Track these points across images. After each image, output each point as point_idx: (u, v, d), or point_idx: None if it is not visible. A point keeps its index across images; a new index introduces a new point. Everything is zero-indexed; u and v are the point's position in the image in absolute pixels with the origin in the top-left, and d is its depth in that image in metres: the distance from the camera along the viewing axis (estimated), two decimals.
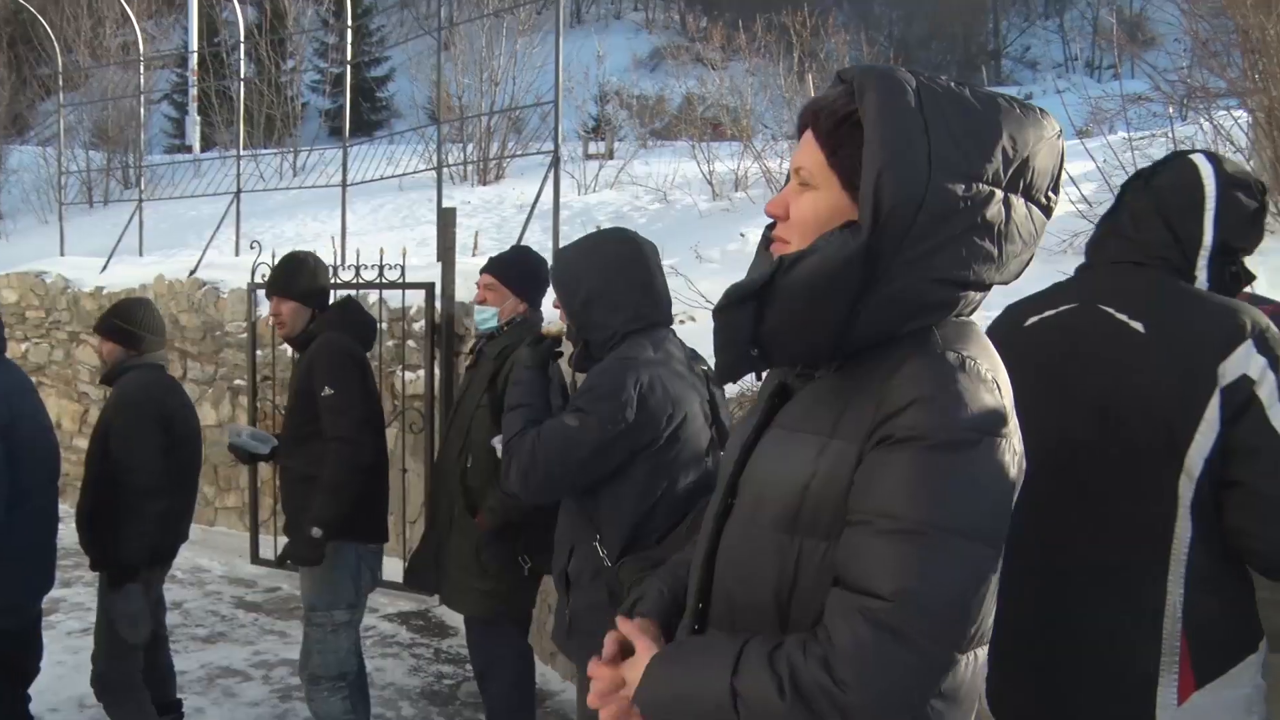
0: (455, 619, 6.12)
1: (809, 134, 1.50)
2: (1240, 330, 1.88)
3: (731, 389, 3.92)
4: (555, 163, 7.18)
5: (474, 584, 3.74)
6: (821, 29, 12.63)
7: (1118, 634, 1.95)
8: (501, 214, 10.91)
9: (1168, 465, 1.89)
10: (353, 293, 5.96)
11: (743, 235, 6.94)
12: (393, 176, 9.84)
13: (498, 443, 3.19)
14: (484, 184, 12.44)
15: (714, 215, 9.19)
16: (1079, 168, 7.27)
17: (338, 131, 13.08)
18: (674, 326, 3.07)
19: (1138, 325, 1.95)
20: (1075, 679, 1.99)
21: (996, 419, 1.36)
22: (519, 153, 9.46)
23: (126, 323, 4.09)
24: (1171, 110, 6.79)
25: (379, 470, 4.02)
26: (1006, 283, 1.48)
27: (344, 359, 3.88)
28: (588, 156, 12.51)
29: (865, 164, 1.37)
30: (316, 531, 3.68)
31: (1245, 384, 1.85)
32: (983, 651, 1.46)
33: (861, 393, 1.41)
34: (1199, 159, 2.11)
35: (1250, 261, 2.15)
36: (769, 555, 1.45)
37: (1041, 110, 1.46)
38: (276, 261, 4.19)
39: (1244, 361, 1.86)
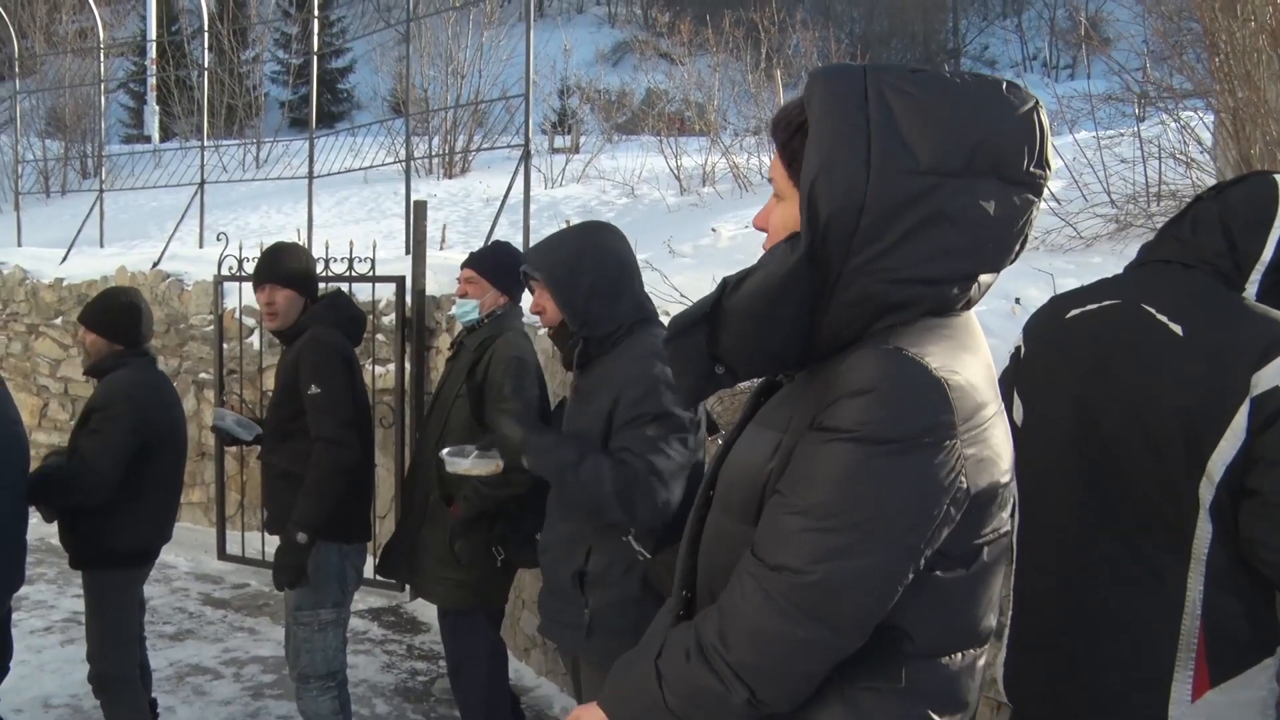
0: (427, 614, 6.09)
1: (776, 147, 1.52)
2: (1277, 343, 1.87)
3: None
4: (525, 156, 7.15)
5: (447, 574, 3.74)
6: (789, 25, 12.68)
7: (1135, 625, 1.96)
8: (468, 207, 10.87)
9: (1189, 467, 1.90)
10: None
11: (714, 230, 6.95)
12: (360, 169, 9.77)
13: (446, 454, 3.21)
14: (449, 177, 12.39)
15: (683, 210, 9.20)
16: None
17: (299, 123, 12.96)
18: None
19: (1176, 327, 1.94)
20: (1092, 668, 2.01)
21: (930, 422, 1.33)
22: (488, 146, 9.41)
23: (111, 314, 4.02)
24: (1138, 110, 6.87)
25: (364, 470, 3.98)
26: (998, 269, 1.44)
27: (332, 356, 3.81)
28: (554, 151, 12.50)
29: (802, 174, 1.38)
30: (302, 536, 3.62)
31: (1277, 395, 1.84)
32: (972, 654, 1.47)
33: (813, 386, 1.44)
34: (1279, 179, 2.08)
35: None
36: (736, 545, 1.49)
37: (1011, 84, 1.41)
38: (264, 250, 4.09)
39: (1277, 374, 1.85)
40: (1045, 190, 1.46)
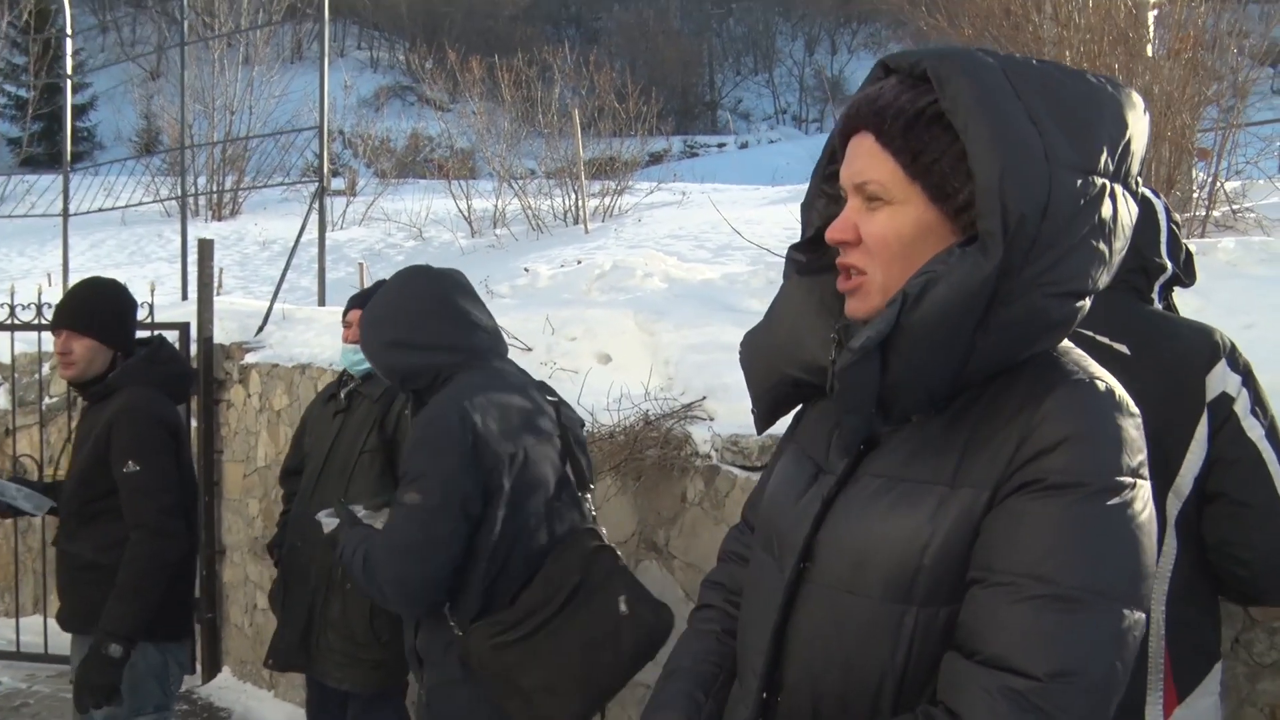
0: (225, 699, 5.52)
1: (869, 141, 1.25)
2: (1217, 348, 1.93)
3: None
4: (320, 194, 6.73)
5: (363, 655, 3.32)
6: (556, 68, 12.62)
7: None
8: (243, 250, 10.21)
9: (1161, 485, 1.88)
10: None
11: (527, 270, 6.75)
12: (127, 206, 8.95)
13: (323, 517, 2.84)
14: (218, 219, 11.61)
15: (478, 252, 8.99)
16: None
17: (31, 162, 11.79)
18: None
19: (1121, 347, 1.95)
20: None
21: (1144, 459, 1.19)
22: (278, 183, 8.84)
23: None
24: None
25: (189, 561, 3.41)
26: (1103, 287, 1.28)
27: (154, 427, 3.21)
28: (332, 193, 11.96)
29: (979, 167, 1.15)
30: (115, 649, 3.01)
31: (1225, 400, 1.89)
32: None
33: (988, 431, 1.20)
34: (1149, 193, 2.12)
35: None
36: (877, 631, 1.21)
37: (1122, 84, 1.26)
38: (70, 288, 3.50)
39: (1223, 378, 1.90)
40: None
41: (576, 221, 9.65)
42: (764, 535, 1.40)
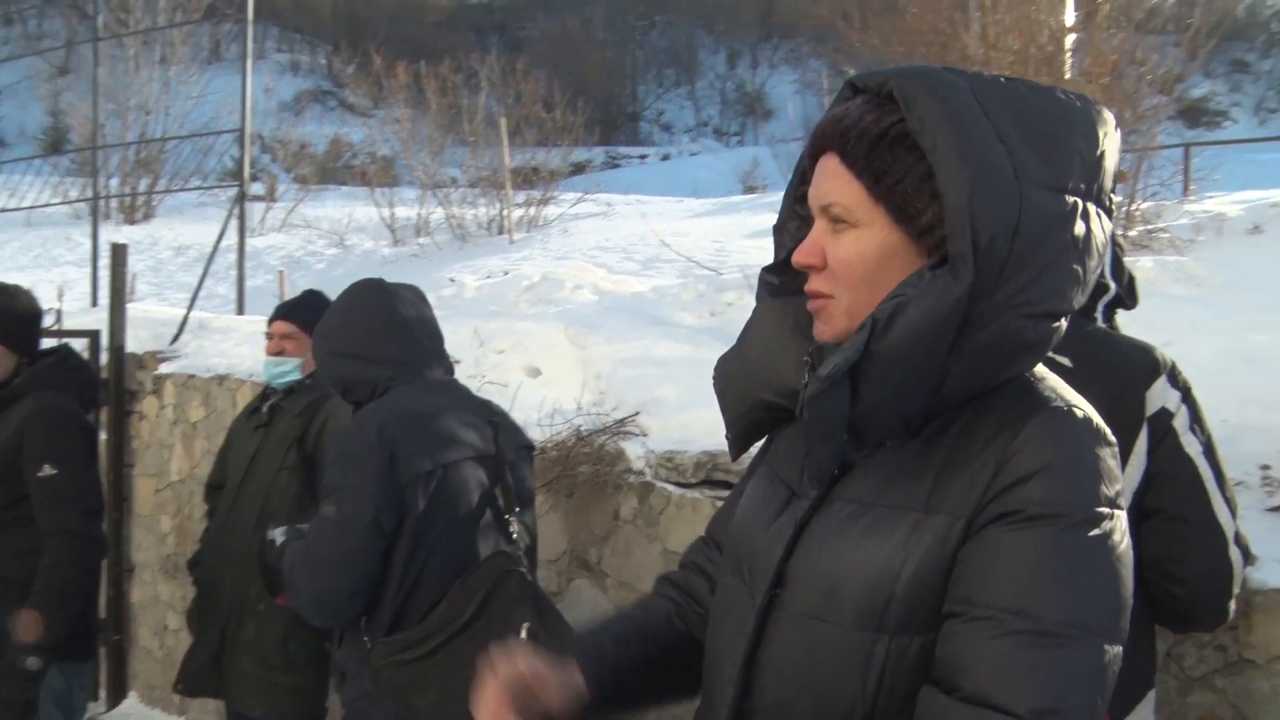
0: None
1: (834, 162, 1.22)
2: (1158, 365, 1.95)
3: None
4: (241, 199, 6.56)
5: (277, 679, 3.20)
6: (483, 76, 12.51)
7: None
8: (157, 256, 9.90)
9: None
10: None
11: (452, 280, 6.65)
12: (33, 207, 8.60)
13: (276, 534, 2.76)
14: (131, 223, 11.25)
15: (401, 261, 8.85)
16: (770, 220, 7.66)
17: None
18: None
19: (1064, 359, 1.95)
20: None
21: (1120, 488, 1.16)
22: (196, 186, 8.57)
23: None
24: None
25: (99, 572, 3.30)
26: (1078, 307, 1.24)
27: (70, 429, 3.13)
28: (251, 198, 11.68)
29: (947, 188, 1.13)
30: (34, 662, 2.89)
31: (1165, 415, 1.91)
32: None
33: (963, 456, 1.17)
34: None
35: None
36: (848, 659, 1.17)
37: (1092, 99, 1.23)
38: None
39: (1163, 394, 1.93)
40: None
41: (501, 231, 9.56)
42: (734, 559, 1.36)
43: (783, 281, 1.36)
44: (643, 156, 37.33)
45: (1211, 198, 6.04)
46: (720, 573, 1.43)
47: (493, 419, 2.71)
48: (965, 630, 1.11)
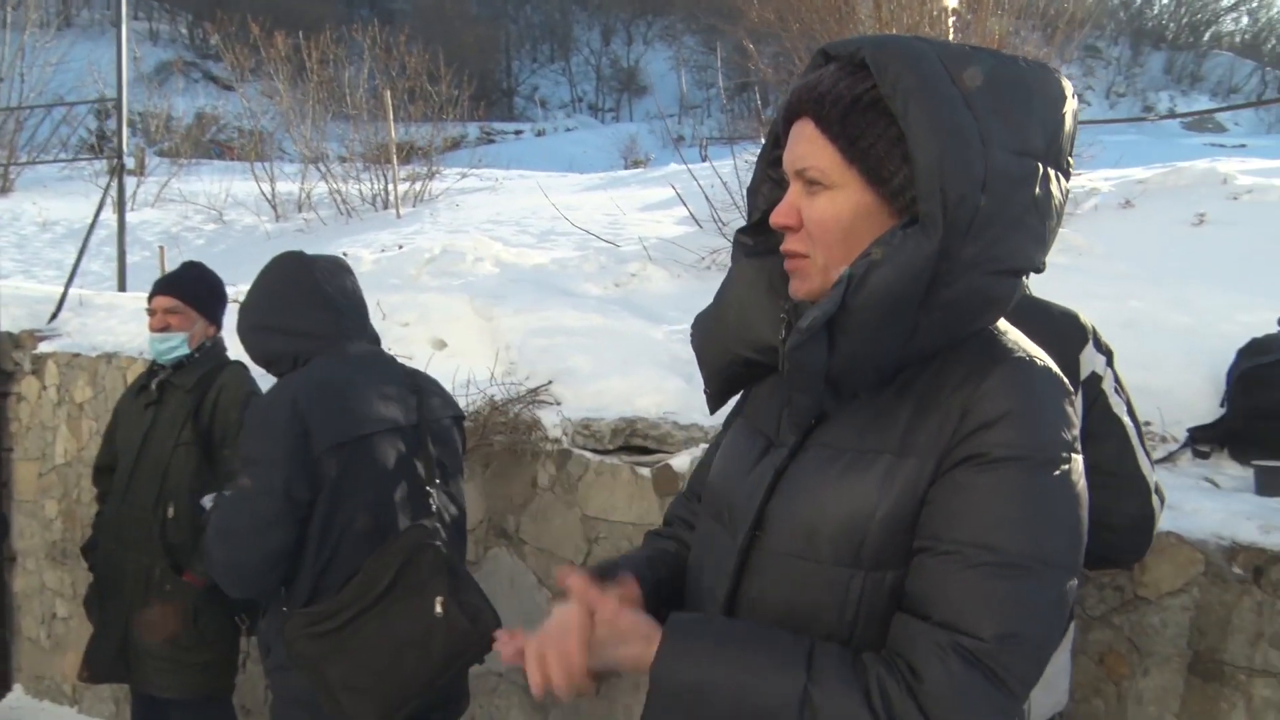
0: None
1: (809, 127, 1.28)
2: (1085, 330, 2.04)
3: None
4: (119, 171, 6.29)
5: (187, 658, 3.16)
6: (366, 49, 12.21)
7: None
8: (19, 232, 9.39)
9: None
10: None
11: (345, 254, 6.53)
12: None
13: (207, 501, 2.72)
14: None
15: (285, 237, 8.63)
16: (659, 194, 7.75)
17: None
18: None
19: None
20: None
21: (1077, 433, 1.25)
22: (68, 158, 8.10)
23: None
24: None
25: None
26: (1043, 266, 1.32)
27: None
28: (112, 172, 11.17)
29: (918, 152, 1.19)
30: None
31: (1095, 379, 2.01)
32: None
33: (932, 402, 1.24)
34: None
35: None
36: (827, 593, 1.26)
37: (1051, 68, 1.30)
38: None
39: (1092, 359, 2.02)
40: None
41: (387, 206, 9.40)
42: (714, 506, 1.43)
43: (757, 242, 1.43)
44: (518, 132, 37.01)
45: (1079, 174, 6.36)
46: (699, 520, 1.50)
47: (418, 389, 2.70)
48: (934, 564, 1.19)
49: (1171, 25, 37.49)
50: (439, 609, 2.38)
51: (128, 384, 4.75)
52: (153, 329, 3.34)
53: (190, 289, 3.37)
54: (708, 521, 1.45)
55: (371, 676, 2.37)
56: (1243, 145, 23.25)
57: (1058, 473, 1.19)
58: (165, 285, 3.38)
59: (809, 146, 1.27)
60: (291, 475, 2.37)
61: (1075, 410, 1.26)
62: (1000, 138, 1.21)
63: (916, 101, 1.19)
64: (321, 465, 2.41)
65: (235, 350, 3.54)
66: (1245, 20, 37.70)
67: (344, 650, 2.38)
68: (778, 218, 1.30)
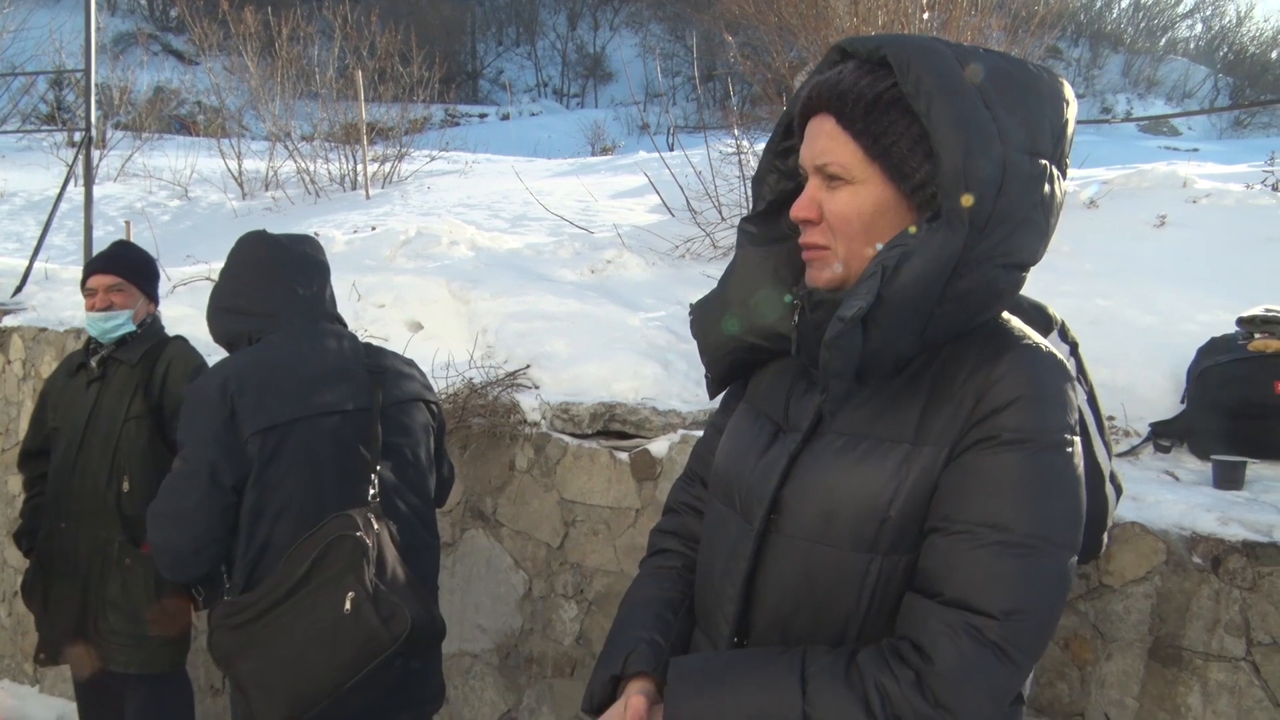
0: None
1: (830, 123, 1.32)
2: (1050, 320, 2.13)
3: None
4: (87, 144, 6.22)
5: (147, 633, 3.15)
6: (337, 27, 12.09)
7: None
8: None
9: None
10: None
11: (316, 234, 6.50)
12: None
13: None
14: None
15: (252, 215, 8.55)
16: (630, 181, 7.77)
17: None
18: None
19: None
20: None
21: (1078, 416, 1.31)
22: (31, 128, 7.95)
23: None
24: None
25: None
26: (1040, 259, 1.36)
27: None
28: (77, 145, 10.99)
29: (943, 149, 1.23)
30: None
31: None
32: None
33: (946, 391, 1.30)
34: None
35: None
36: (845, 576, 1.30)
37: (1056, 72, 1.36)
38: None
39: (1055, 346, 2.08)
40: None
41: (355, 187, 9.35)
42: (723, 490, 1.47)
43: (761, 231, 1.48)
44: (483, 115, 36.67)
45: None
46: (708, 504, 1.53)
47: (379, 370, 2.58)
48: (946, 544, 1.25)
49: (1130, 29, 38.02)
50: (348, 605, 2.24)
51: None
52: (95, 308, 3.31)
53: (132, 266, 3.38)
54: (718, 506, 1.48)
55: (278, 673, 2.27)
56: (1195, 149, 23.66)
57: (1062, 455, 1.26)
58: (106, 263, 3.36)
59: (830, 143, 1.32)
60: (216, 459, 2.32)
61: (1076, 394, 1.32)
62: (1016, 138, 1.26)
63: (940, 101, 1.24)
64: (248, 449, 2.34)
65: (178, 328, 3.56)
66: (1200, 27, 38.33)
67: (255, 644, 2.29)
68: (799, 211, 1.35)
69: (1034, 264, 1.35)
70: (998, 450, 1.25)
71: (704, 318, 1.53)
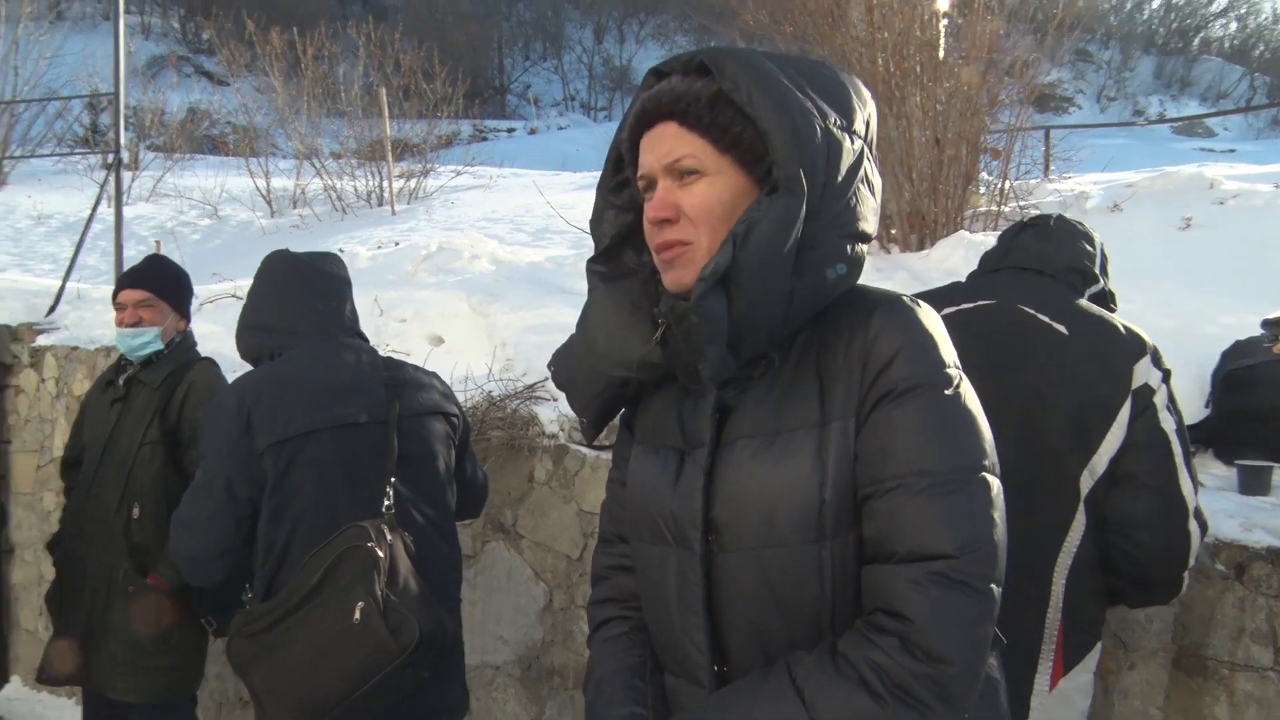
0: (19, 712, 5.15)
1: (672, 128, 1.36)
2: (1144, 344, 2.10)
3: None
4: (117, 165, 6.31)
5: (153, 662, 3.11)
6: (361, 45, 12.22)
7: (1009, 623, 2.05)
8: (14, 225, 9.39)
9: (1077, 460, 2.04)
10: None
11: (342, 250, 6.57)
12: None
13: None
14: None
15: (281, 233, 8.65)
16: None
17: None
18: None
19: (1060, 327, 2.10)
20: None
21: (955, 352, 1.36)
22: (65, 151, 8.10)
23: None
24: None
25: None
26: (874, 233, 1.43)
27: None
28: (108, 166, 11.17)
29: (772, 128, 1.30)
30: None
31: (1147, 390, 2.06)
32: None
33: (832, 366, 1.33)
34: (1077, 218, 2.39)
35: None
36: (802, 572, 1.31)
37: (852, 75, 1.46)
38: None
39: (1146, 371, 2.07)
40: None
41: (382, 203, 9.44)
42: (649, 529, 1.45)
43: (609, 269, 1.49)
44: (510, 130, 36.91)
45: (1069, 178, 6.43)
46: (636, 553, 1.51)
47: (397, 384, 2.60)
48: (884, 504, 1.27)
49: (1161, 30, 37.68)
50: (357, 615, 2.25)
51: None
52: (123, 324, 3.27)
53: (161, 281, 3.32)
54: (648, 549, 1.46)
55: (289, 682, 2.31)
56: (1232, 150, 23.40)
57: (953, 390, 1.30)
58: (135, 278, 3.30)
59: (677, 142, 1.37)
60: (231, 471, 2.37)
61: (946, 333, 1.37)
62: (832, 116, 1.34)
63: (759, 88, 1.32)
64: (264, 461, 2.38)
65: (205, 345, 3.56)
66: (1234, 26, 37.90)
67: (269, 654, 2.33)
68: (656, 212, 1.37)
69: (873, 236, 1.42)
70: (898, 403, 1.29)
71: (567, 365, 1.53)
